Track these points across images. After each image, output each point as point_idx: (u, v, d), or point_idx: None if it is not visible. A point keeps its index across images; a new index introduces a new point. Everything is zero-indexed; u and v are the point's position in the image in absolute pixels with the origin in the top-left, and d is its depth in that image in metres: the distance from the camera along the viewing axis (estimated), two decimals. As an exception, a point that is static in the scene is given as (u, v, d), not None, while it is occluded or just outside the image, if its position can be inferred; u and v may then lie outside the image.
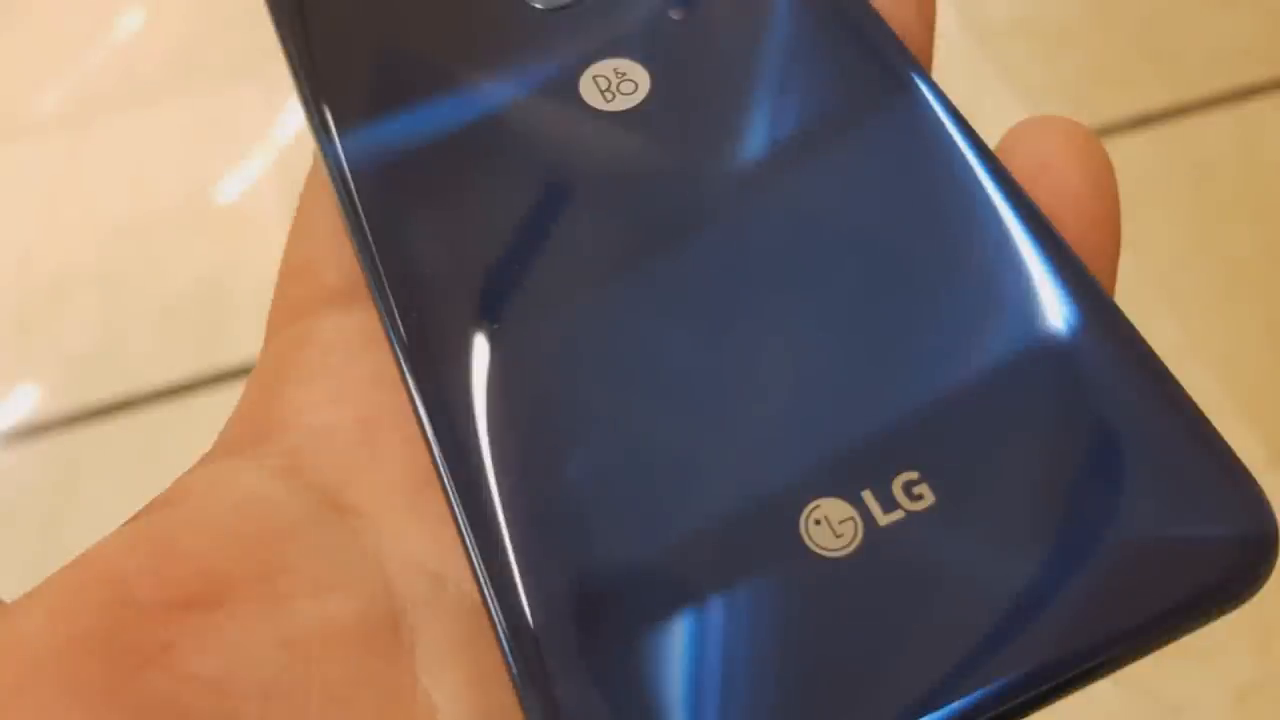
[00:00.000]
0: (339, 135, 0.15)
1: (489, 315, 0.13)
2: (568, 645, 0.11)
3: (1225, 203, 0.52)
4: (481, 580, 0.12)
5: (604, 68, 0.15)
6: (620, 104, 0.15)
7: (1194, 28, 0.58)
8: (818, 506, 0.12)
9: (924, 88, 0.14)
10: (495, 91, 0.15)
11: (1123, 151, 0.53)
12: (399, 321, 0.13)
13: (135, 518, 0.13)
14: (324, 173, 0.15)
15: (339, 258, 0.15)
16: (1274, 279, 0.50)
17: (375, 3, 0.16)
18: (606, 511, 0.12)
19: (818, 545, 0.11)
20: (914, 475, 0.12)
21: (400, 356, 0.13)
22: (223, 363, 0.50)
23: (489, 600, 0.11)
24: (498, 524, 0.12)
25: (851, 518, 0.12)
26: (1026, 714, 0.11)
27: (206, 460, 0.14)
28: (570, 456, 0.12)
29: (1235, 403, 0.46)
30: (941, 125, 0.14)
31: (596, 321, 0.13)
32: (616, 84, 0.15)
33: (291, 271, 0.15)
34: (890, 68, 0.15)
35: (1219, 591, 0.11)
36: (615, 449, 0.12)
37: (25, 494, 0.48)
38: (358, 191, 0.14)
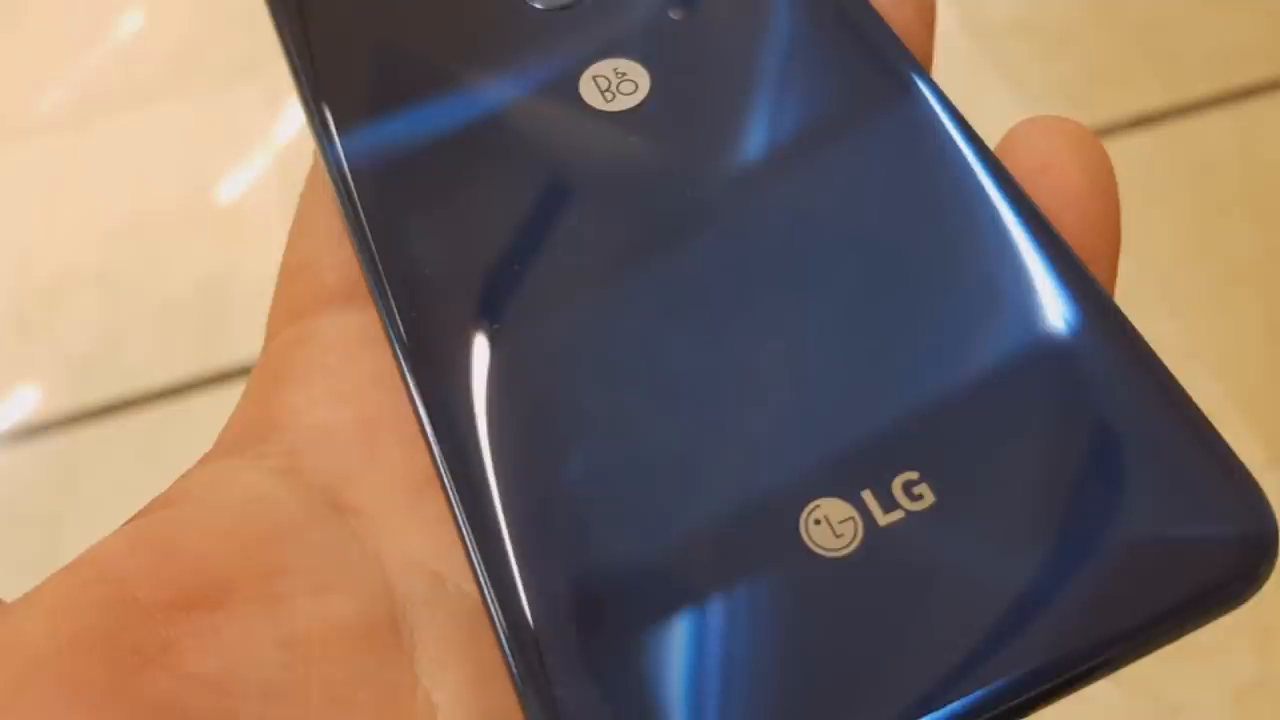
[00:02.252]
0: (339, 135, 0.15)
1: (489, 316, 0.13)
2: (568, 645, 0.11)
3: (1225, 203, 0.52)
4: (481, 580, 0.12)
5: (604, 68, 0.15)
6: (620, 104, 0.15)
7: (1194, 28, 0.58)
8: (818, 506, 0.12)
9: (924, 88, 0.14)
10: (495, 92, 0.15)
11: (1123, 151, 0.53)
12: (399, 321, 0.13)
13: (135, 518, 0.13)
14: (324, 173, 0.15)
15: (339, 258, 0.15)
16: (1274, 279, 0.50)
17: (375, 3, 0.16)
18: (606, 511, 0.12)
19: (818, 545, 0.11)
20: (914, 475, 0.12)
21: (400, 356, 0.13)
22: (223, 363, 0.50)
23: (489, 600, 0.11)
24: (498, 524, 0.12)
25: (851, 518, 0.12)
26: (1027, 714, 0.11)
27: (206, 460, 0.14)
28: (570, 457, 0.12)
29: (1235, 403, 0.46)
30: (942, 125, 0.14)
31: (596, 322, 0.13)
32: (616, 84, 0.15)
33: (291, 271, 0.15)
34: (890, 68, 0.15)
35: (1219, 591, 0.11)
36: (615, 449, 0.12)
37: (25, 494, 0.48)
38: (358, 191, 0.14)
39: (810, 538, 0.11)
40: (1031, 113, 0.14)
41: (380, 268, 0.14)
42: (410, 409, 0.13)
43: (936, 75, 0.15)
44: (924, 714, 0.10)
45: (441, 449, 0.12)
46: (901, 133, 0.14)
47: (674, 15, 0.16)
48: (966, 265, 0.13)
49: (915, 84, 0.14)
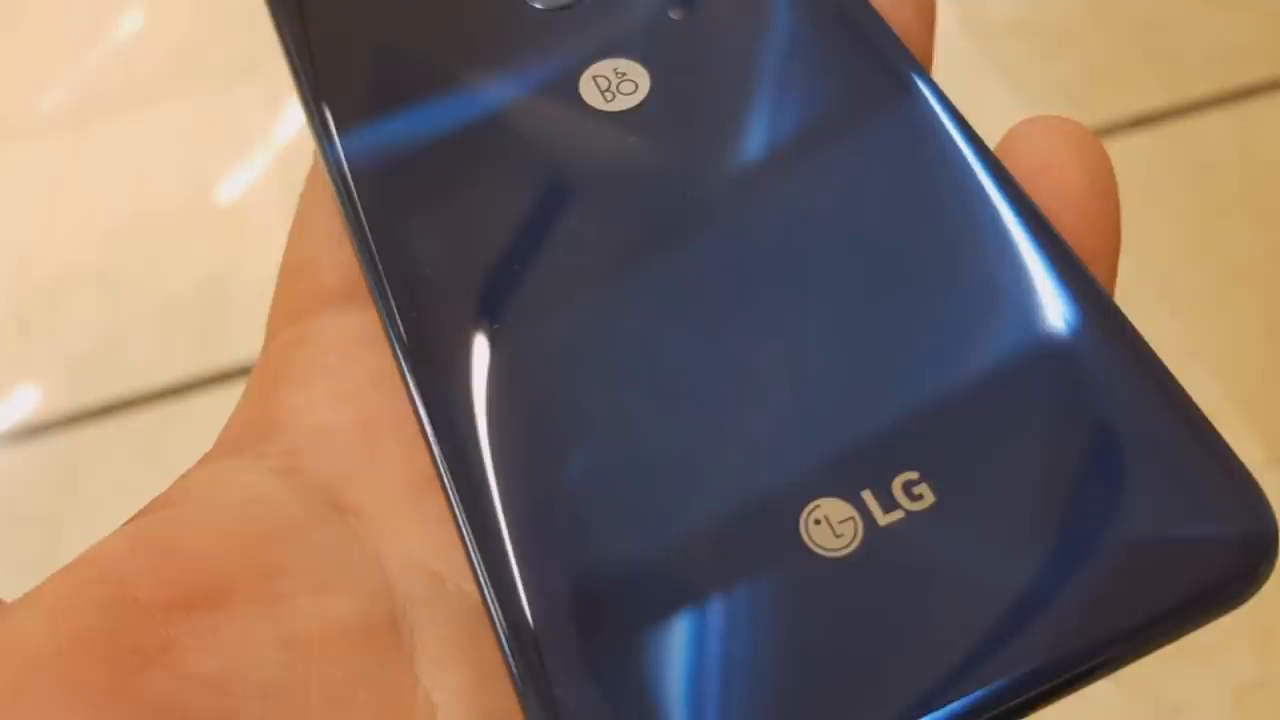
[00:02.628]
0: (339, 135, 0.15)
1: (489, 316, 0.13)
2: (568, 645, 0.11)
3: (1225, 203, 0.52)
4: (481, 580, 0.12)
5: (604, 68, 0.15)
6: (620, 104, 0.15)
7: (1194, 28, 0.58)
8: (818, 506, 0.12)
9: (924, 88, 0.14)
10: (495, 92, 0.15)
11: (1123, 151, 0.53)
12: (399, 321, 0.13)
13: (135, 518, 0.13)
14: (324, 173, 0.15)
15: (339, 258, 0.15)
16: (1274, 279, 0.50)
17: (375, 3, 0.16)
18: (607, 511, 0.12)
19: (818, 545, 0.11)
20: (914, 475, 0.12)
21: (400, 356, 0.13)
22: (223, 363, 0.50)
23: (489, 600, 0.11)
24: (498, 524, 0.12)
25: (851, 518, 0.12)
26: (1027, 713, 0.11)
27: (206, 460, 0.14)
28: (570, 456, 0.12)
29: (1235, 403, 0.46)
30: (942, 125, 0.14)
31: (596, 322, 0.13)
32: (616, 84, 0.15)
33: (291, 271, 0.15)
34: (890, 68, 0.15)
35: (1219, 591, 0.11)
36: (615, 449, 0.12)
37: (25, 494, 0.48)
38: (358, 191, 0.14)
39: (810, 538, 0.11)
40: (1031, 113, 0.14)
41: (380, 268, 0.14)
42: (410, 409, 0.13)
43: (936, 75, 0.15)
44: (924, 714, 0.10)
45: (441, 449, 0.12)
46: (902, 133, 0.14)
47: (674, 15, 0.16)
48: (966, 265, 0.13)
49: (915, 84, 0.14)
